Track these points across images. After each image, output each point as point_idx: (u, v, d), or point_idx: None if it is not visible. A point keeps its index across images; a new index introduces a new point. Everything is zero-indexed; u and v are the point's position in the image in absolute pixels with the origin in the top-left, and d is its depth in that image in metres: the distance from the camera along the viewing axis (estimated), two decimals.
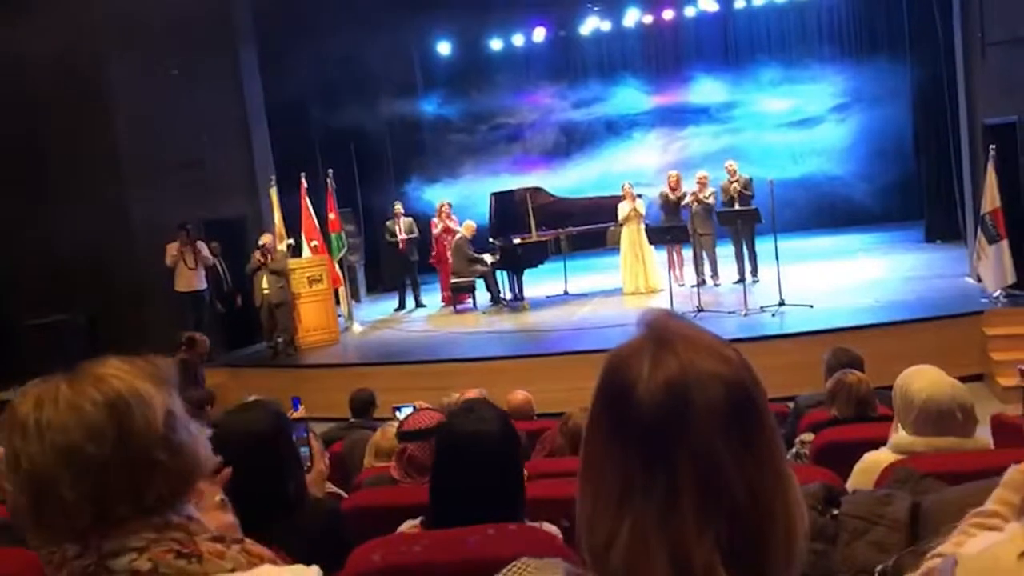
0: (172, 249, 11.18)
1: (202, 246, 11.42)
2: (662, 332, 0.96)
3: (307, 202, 12.08)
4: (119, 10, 10.81)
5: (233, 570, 1.22)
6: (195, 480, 1.29)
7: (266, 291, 11.26)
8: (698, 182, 11.86)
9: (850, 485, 2.87)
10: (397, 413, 5.29)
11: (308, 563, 1.40)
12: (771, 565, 0.91)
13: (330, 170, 12.86)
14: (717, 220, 11.69)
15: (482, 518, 2.06)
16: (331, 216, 12.53)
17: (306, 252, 12.07)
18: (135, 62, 11.30)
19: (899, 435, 2.81)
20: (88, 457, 1.18)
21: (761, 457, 0.92)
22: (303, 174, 12.18)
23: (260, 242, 11.29)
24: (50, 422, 1.19)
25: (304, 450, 2.61)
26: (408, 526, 2.29)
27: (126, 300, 11.07)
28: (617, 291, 12.39)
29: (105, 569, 1.18)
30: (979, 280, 9.75)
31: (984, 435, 3.67)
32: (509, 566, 1.09)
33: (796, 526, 0.93)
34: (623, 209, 12.16)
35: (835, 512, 1.83)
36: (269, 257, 11.19)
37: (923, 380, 2.75)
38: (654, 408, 0.91)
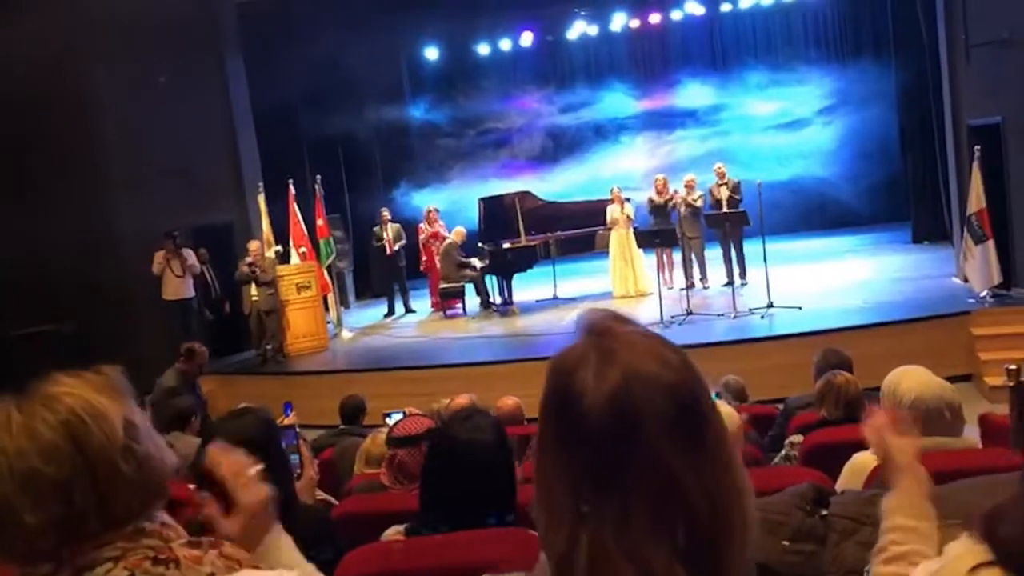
0: (159, 257, 11.14)
1: (189, 254, 11.37)
2: (604, 338, 0.96)
3: (295, 208, 12.06)
4: (105, 17, 10.79)
5: (212, 575, 1.21)
6: (164, 488, 1.27)
7: (255, 298, 11.23)
8: (686, 185, 11.90)
9: (839, 486, 2.87)
10: (387, 419, 5.27)
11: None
12: (728, 562, 0.92)
13: (318, 176, 12.84)
14: (705, 223, 11.73)
15: (473, 524, 2.06)
16: (319, 222, 12.51)
17: (294, 259, 12.04)
18: (122, 69, 11.25)
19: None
20: (48, 480, 1.16)
21: (711, 457, 0.93)
22: (291, 180, 12.15)
23: (248, 260, 11.23)
24: (4, 449, 1.18)
25: (294, 457, 2.61)
26: (392, 532, 2.28)
27: (114, 308, 11.00)
28: (606, 295, 12.40)
29: None
30: (966, 280, 9.81)
31: (972, 435, 3.69)
32: None
33: (749, 521, 0.95)
34: (612, 213, 12.18)
35: (824, 513, 1.84)
36: (258, 271, 11.16)
37: (911, 380, 2.77)
38: (602, 421, 0.90)
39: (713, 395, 0.99)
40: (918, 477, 1.54)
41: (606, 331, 0.97)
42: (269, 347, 11.32)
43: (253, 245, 11.37)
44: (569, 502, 0.92)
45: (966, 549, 1.11)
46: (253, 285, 11.21)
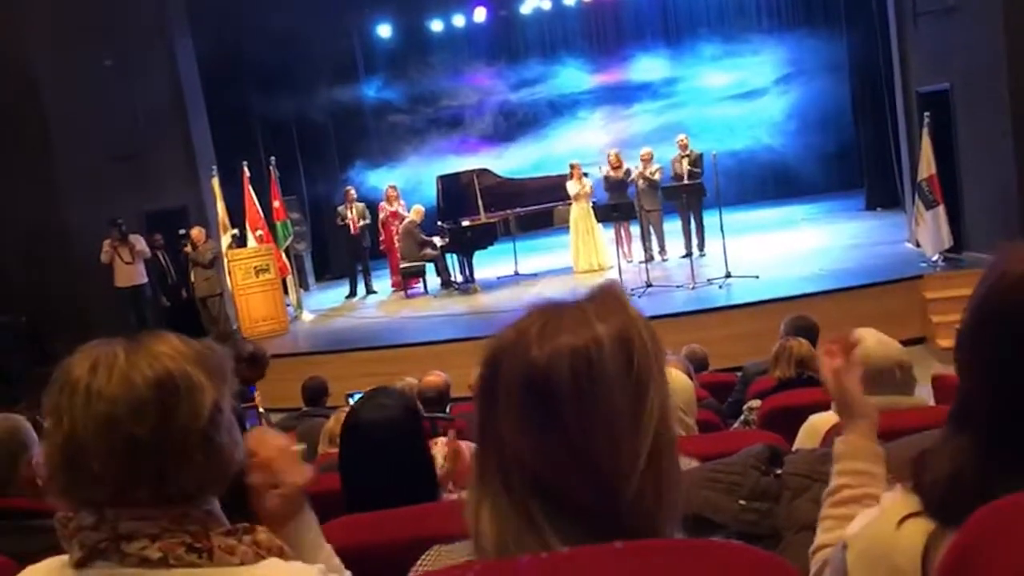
0: (106, 246, 10.97)
1: (138, 239, 11.18)
2: (549, 307, 0.98)
3: (250, 191, 11.91)
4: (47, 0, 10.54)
5: (241, 563, 1.21)
6: (222, 481, 1.28)
7: (194, 283, 11.19)
8: (642, 159, 11.93)
9: (796, 446, 2.93)
10: (350, 400, 5.27)
11: None
12: (666, 516, 0.96)
13: (272, 158, 12.68)
14: (663, 195, 11.78)
15: (395, 502, 2.07)
16: (275, 204, 12.37)
17: (251, 242, 11.90)
18: (66, 54, 11.00)
19: None
20: (126, 433, 1.17)
21: (659, 411, 0.95)
22: (245, 163, 11.99)
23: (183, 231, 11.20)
24: (100, 391, 1.18)
25: None
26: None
27: (66, 298, 10.83)
28: (567, 270, 12.43)
29: (117, 550, 1.17)
30: (918, 245, 9.99)
31: (926, 395, 3.77)
32: (423, 555, 1.11)
33: (679, 473, 0.98)
34: (571, 188, 12.20)
35: (778, 472, 1.87)
36: (192, 248, 11.07)
37: (862, 340, 2.82)
38: (550, 376, 0.92)
39: None
40: (871, 419, 1.55)
41: (552, 302, 1.00)
42: (211, 335, 11.24)
43: (194, 231, 11.30)
44: (518, 467, 0.94)
45: (898, 500, 1.14)
46: (193, 271, 11.15)
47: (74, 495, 1.19)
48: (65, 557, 1.21)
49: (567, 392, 0.91)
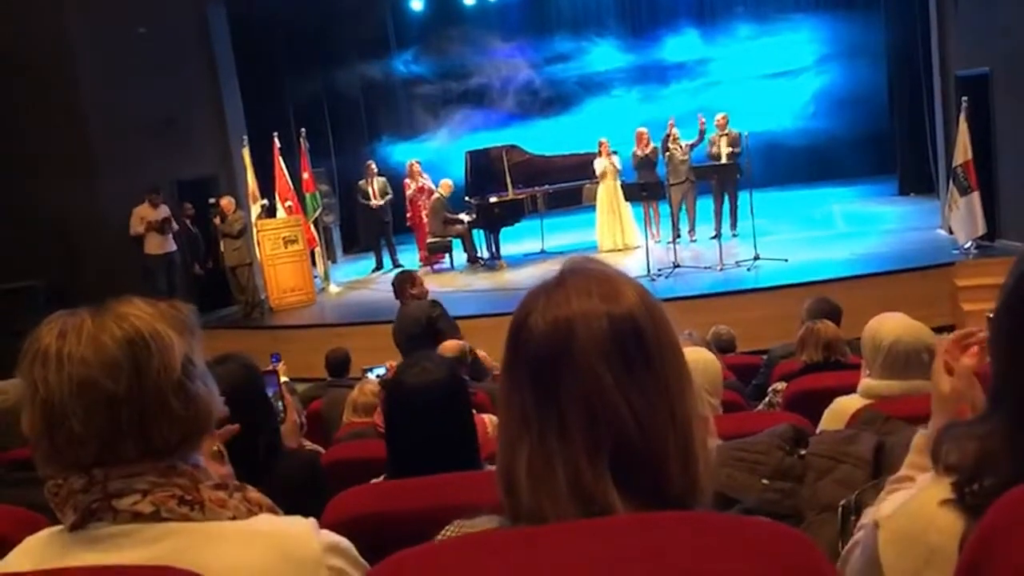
0: (136, 214, 11.08)
1: (166, 209, 11.28)
2: (566, 273, 1.03)
3: (280, 162, 11.96)
4: None
5: (233, 518, 1.24)
6: (204, 431, 1.30)
7: (223, 253, 11.30)
8: (673, 140, 11.78)
9: (820, 429, 2.91)
10: (368, 375, 5.31)
11: (285, 513, 1.42)
12: (665, 485, 0.96)
13: (303, 129, 12.70)
14: (693, 175, 11.62)
15: (438, 468, 2.09)
16: (305, 176, 12.41)
17: (280, 213, 11.97)
18: (100, 23, 11.06)
19: (867, 379, 2.86)
20: (102, 391, 1.19)
21: (647, 387, 0.96)
22: (276, 134, 12.03)
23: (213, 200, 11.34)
24: (71, 354, 1.20)
25: (279, 403, 2.64)
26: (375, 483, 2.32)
27: (97, 263, 10.94)
28: (593, 248, 12.36)
29: (110, 507, 1.20)
30: (951, 232, 9.85)
31: None
32: (444, 530, 1.13)
33: (694, 453, 0.99)
34: (600, 165, 12.11)
35: (802, 452, 1.87)
36: (220, 219, 11.21)
37: (890, 324, 2.79)
38: (541, 341, 0.97)
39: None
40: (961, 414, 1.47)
41: (572, 269, 1.04)
42: (243, 303, 11.41)
43: (223, 201, 11.44)
44: (516, 423, 0.98)
45: (935, 483, 1.13)
46: (221, 241, 11.27)
47: (60, 460, 1.21)
48: (60, 527, 1.24)
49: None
